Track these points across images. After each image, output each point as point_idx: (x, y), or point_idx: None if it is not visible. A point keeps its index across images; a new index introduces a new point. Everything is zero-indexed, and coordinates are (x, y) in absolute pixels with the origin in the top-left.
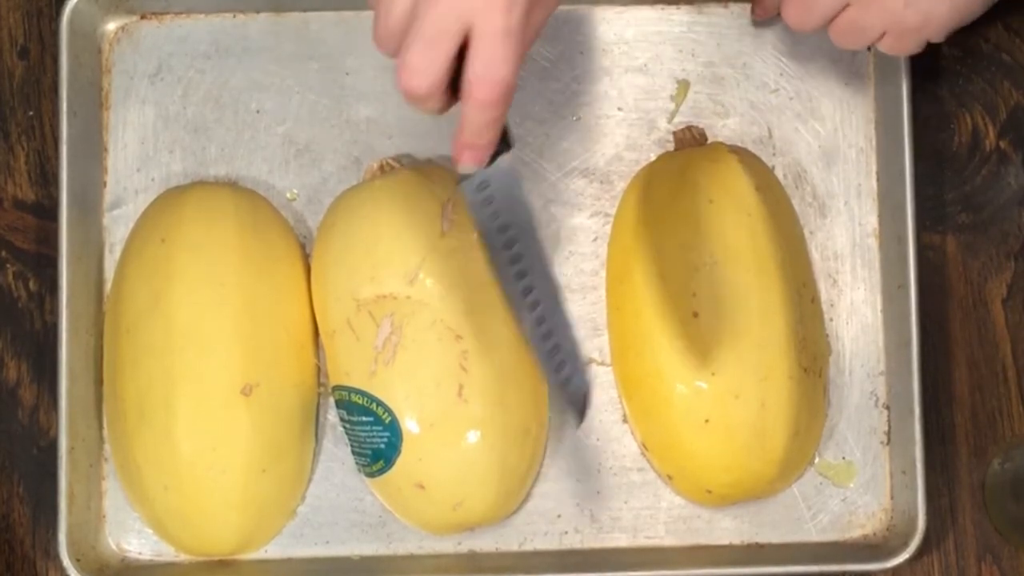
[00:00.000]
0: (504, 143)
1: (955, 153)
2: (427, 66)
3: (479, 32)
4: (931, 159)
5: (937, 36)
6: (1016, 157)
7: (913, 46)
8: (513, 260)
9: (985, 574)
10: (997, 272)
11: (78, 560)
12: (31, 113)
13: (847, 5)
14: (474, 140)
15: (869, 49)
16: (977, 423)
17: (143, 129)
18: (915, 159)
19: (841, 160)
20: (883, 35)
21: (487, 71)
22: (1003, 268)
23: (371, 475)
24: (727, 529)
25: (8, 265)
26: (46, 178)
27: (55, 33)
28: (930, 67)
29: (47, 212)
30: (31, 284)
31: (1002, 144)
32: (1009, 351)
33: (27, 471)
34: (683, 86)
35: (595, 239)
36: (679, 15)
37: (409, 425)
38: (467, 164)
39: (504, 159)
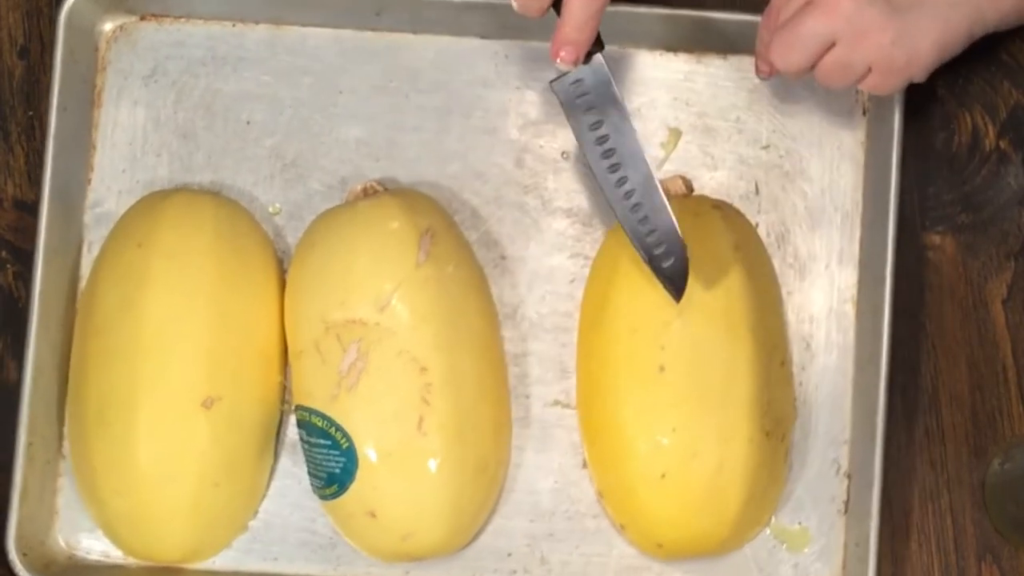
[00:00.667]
0: (597, 42)
1: (955, 153)
2: None
3: None
4: (931, 159)
5: (921, 75)
6: (1016, 157)
7: (898, 84)
8: (606, 154)
9: (985, 574)
10: (997, 272)
11: (24, 555)
12: (31, 113)
13: (833, 44)
14: (576, 36)
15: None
16: (977, 423)
17: (133, 130)
18: (900, 225)
19: (826, 223)
20: (868, 72)
21: None
22: (1003, 268)
23: (324, 498)
24: None
25: (8, 265)
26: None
27: (54, 30)
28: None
29: None
30: (31, 284)
31: (1002, 144)
32: (1009, 351)
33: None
34: (674, 134)
35: (572, 280)
36: (677, 63)
37: (366, 452)
38: (566, 61)
39: (597, 57)
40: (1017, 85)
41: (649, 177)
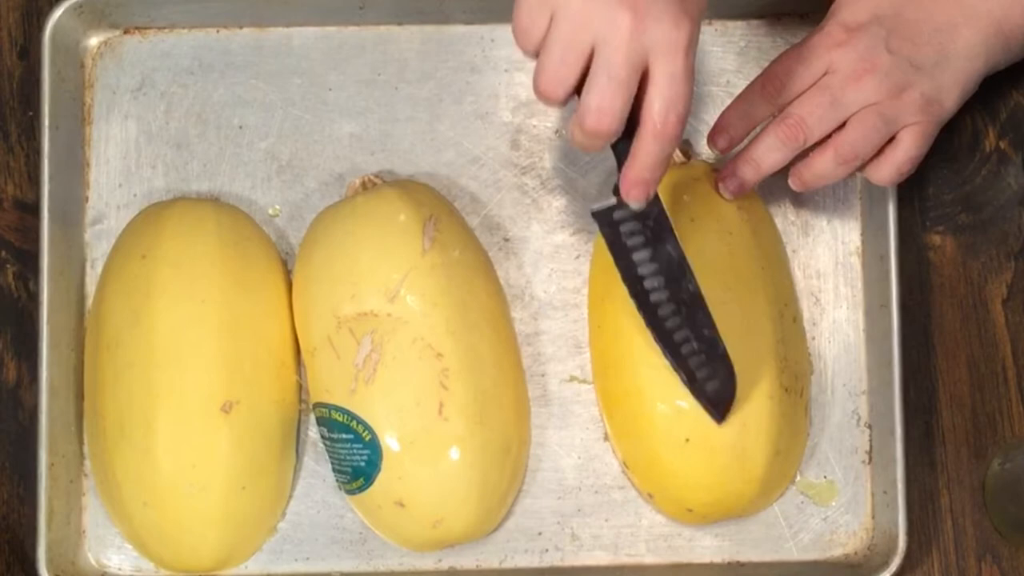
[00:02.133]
0: None
1: (955, 153)
2: (612, 105)
3: (662, 72)
4: (931, 159)
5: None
6: (1016, 157)
7: (932, 135)
8: (652, 288)
9: (985, 574)
10: (997, 272)
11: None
12: (31, 113)
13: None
14: (648, 175)
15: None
16: (977, 423)
17: (126, 144)
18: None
19: None
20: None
21: (673, 107)
22: (1003, 268)
23: (351, 492)
24: (708, 547)
25: (8, 265)
26: None
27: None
28: None
29: None
30: (31, 284)
31: (1002, 144)
32: (1009, 351)
33: (28, 471)
34: None
35: (577, 256)
36: None
37: (389, 443)
38: (637, 199)
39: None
40: (1017, 86)
41: (696, 297)
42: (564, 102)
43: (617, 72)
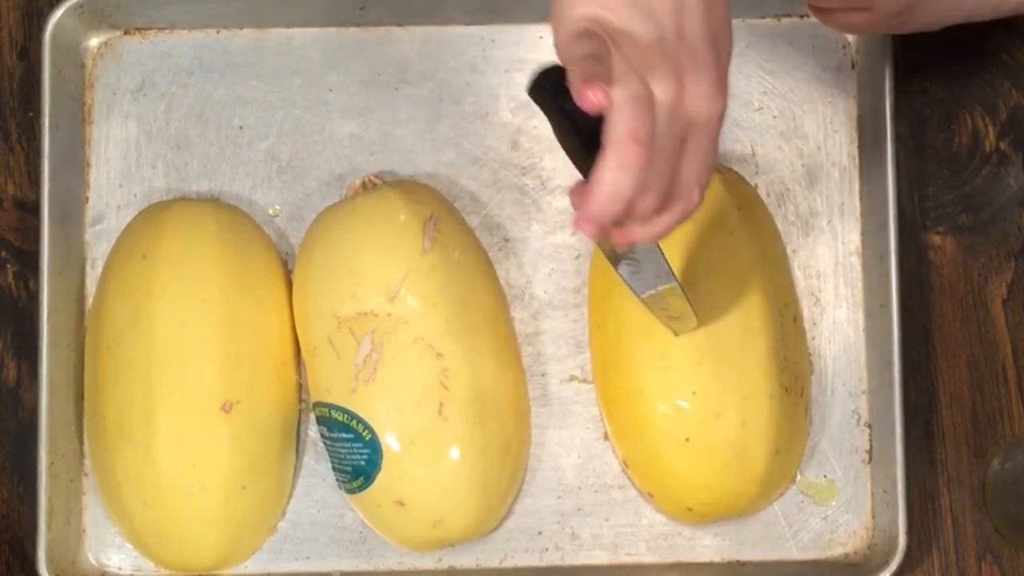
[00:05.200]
0: None
1: (955, 153)
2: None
3: (699, 145)
4: (931, 159)
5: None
6: (1016, 157)
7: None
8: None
9: (985, 574)
10: (997, 272)
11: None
12: (31, 113)
13: None
14: (650, 240)
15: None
16: (977, 423)
17: (126, 144)
18: (898, 175)
19: (824, 179)
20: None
21: (703, 179)
22: (1003, 268)
23: (351, 492)
24: (708, 547)
25: (8, 265)
26: None
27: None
28: (930, 67)
29: None
30: (31, 284)
31: (1002, 144)
32: (1009, 351)
33: (27, 471)
34: None
35: (577, 256)
36: None
37: (389, 442)
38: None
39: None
40: (1017, 86)
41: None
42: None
43: (667, 150)
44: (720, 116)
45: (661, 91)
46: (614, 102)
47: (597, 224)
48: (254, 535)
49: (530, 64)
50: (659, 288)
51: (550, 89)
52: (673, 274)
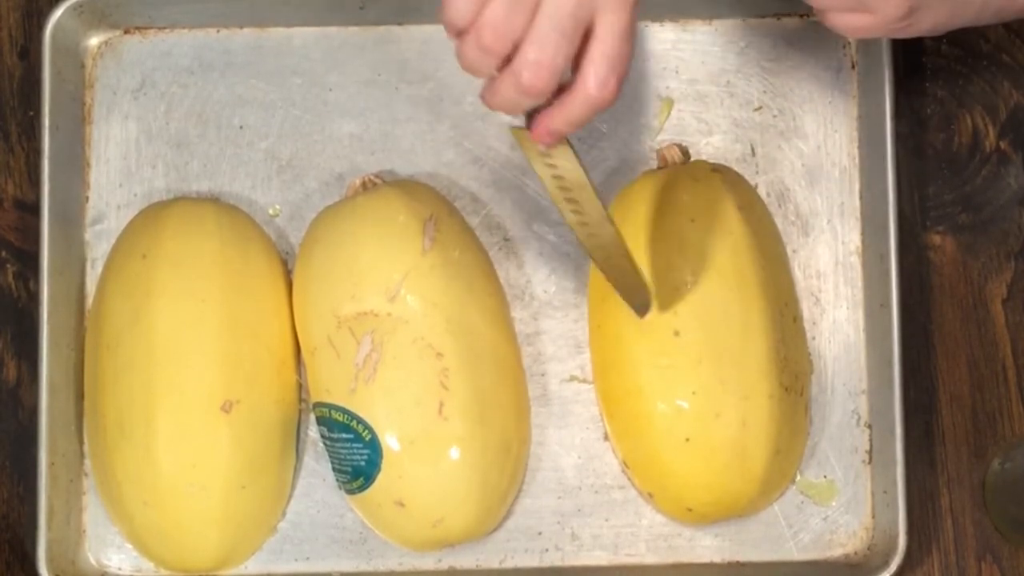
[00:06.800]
0: None
1: (955, 153)
2: (554, 60)
3: (607, 29)
4: (931, 159)
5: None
6: (1016, 157)
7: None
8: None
9: (985, 574)
10: (997, 272)
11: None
12: (31, 113)
13: None
14: (569, 130)
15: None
16: (977, 423)
17: (126, 144)
18: (898, 175)
19: (824, 178)
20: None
21: (614, 69)
22: (1003, 268)
23: (351, 492)
24: (708, 547)
25: (8, 265)
26: None
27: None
28: (930, 67)
29: None
30: (31, 284)
31: (1002, 144)
32: (1009, 351)
33: (27, 471)
34: (667, 104)
35: (577, 257)
36: (663, 32)
37: (389, 442)
38: (548, 145)
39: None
40: (1017, 86)
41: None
42: (547, 94)
43: (563, 23)
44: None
45: None
46: None
47: (467, 56)
48: (254, 535)
49: None
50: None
51: None
52: (617, 232)
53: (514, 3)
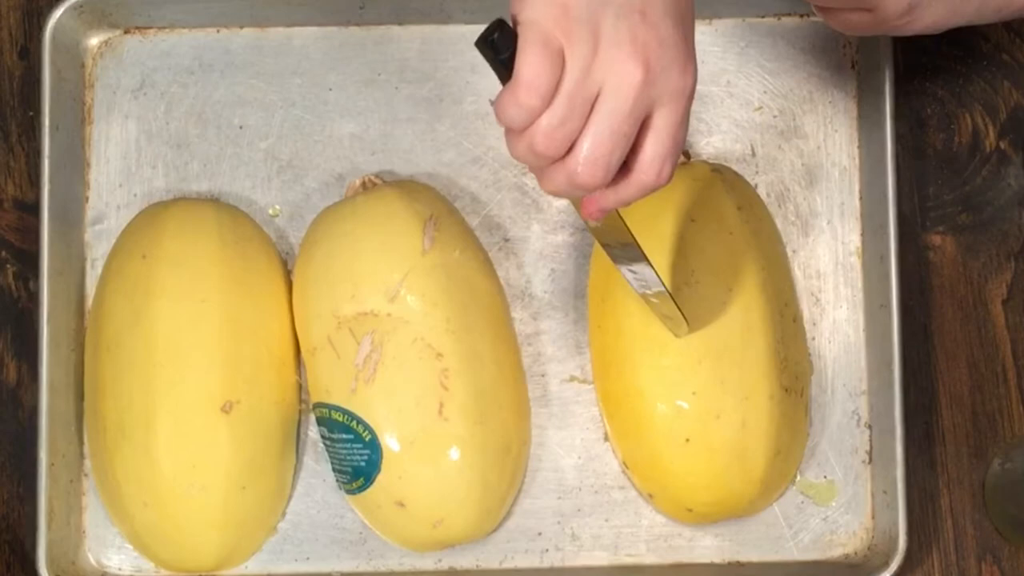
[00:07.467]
0: None
1: (955, 153)
2: (609, 159)
3: (664, 122)
4: (931, 159)
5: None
6: (1016, 157)
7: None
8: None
9: (985, 574)
10: (997, 272)
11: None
12: (31, 113)
13: None
14: (617, 209)
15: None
16: (977, 423)
17: (126, 144)
18: (898, 175)
19: (824, 179)
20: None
21: (668, 159)
22: (1003, 268)
23: (351, 492)
24: (708, 547)
25: (8, 265)
26: None
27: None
28: (930, 67)
29: None
30: (31, 284)
31: (1002, 144)
32: (1009, 351)
33: (27, 471)
34: None
35: (578, 256)
36: None
37: (389, 443)
38: (595, 221)
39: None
40: (1017, 85)
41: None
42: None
43: (621, 126)
44: (689, 92)
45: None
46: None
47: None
48: (254, 535)
49: None
50: (649, 292)
51: (494, 44)
52: (662, 281)
53: (570, 111)
